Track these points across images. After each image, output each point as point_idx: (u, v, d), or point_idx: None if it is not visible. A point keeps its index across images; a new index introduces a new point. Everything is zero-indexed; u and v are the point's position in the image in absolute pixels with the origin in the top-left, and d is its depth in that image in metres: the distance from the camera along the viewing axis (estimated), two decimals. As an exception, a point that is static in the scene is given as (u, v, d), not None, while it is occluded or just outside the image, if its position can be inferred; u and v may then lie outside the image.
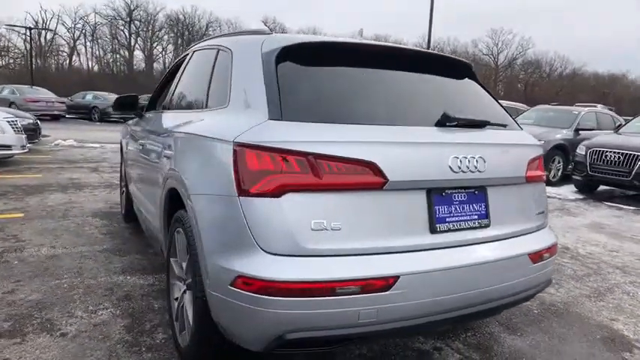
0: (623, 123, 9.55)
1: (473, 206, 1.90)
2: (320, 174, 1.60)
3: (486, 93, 2.36)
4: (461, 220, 1.86)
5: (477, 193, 1.92)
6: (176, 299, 2.36)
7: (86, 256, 3.56)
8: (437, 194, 1.81)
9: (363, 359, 2.30)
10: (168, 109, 2.99)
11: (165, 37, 57.61)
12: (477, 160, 1.87)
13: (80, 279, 3.10)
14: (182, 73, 2.99)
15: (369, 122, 1.81)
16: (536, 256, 2.03)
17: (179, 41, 58.84)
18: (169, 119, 2.68)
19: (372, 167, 1.67)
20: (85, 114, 21.53)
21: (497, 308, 1.99)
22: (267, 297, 1.56)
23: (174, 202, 2.30)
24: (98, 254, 3.61)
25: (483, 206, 1.94)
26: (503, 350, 2.48)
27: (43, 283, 3.00)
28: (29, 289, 2.90)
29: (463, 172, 1.83)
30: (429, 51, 2.24)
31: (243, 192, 1.64)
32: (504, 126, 2.16)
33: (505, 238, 1.98)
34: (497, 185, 1.98)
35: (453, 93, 2.21)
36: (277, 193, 1.60)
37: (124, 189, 4.70)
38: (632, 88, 58.33)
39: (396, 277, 1.63)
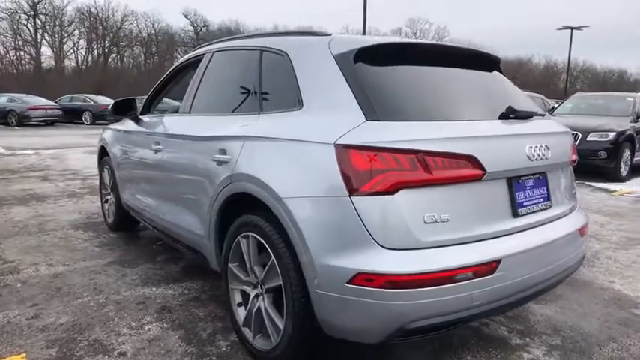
0: (556, 106, 10.40)
1: (539, 190, 2.08)
2: (429, 170, 1.69)
3: (512, 84, 2.56)
4: (533, 204, 2.03)
5: (540, 178, 2.10)
6: (239, 305, 2.35)
7: (94, 271, 3.37)
8: (515, 182, 1.97)
9: (429, 340, 2.42)
10: (194, 112, 2.89)
11: (77, 32, 53.79)
12: (544, 148, 2.05)
13: (103, 295, 2.95)
14: (203, 76, 2.90)
15: (450, 118, 1.92)
16: (582, 232, 2.26)
17: (92, 36, 55.21)
18: (209, 123, 2.60)
19: (473, 161, 1.78)
20: (0, 118, 19.71)
21: (558, 282, 2.19)
22: (391, 290, 1.63)
23: (236, 207, 2.28)
24: (106, 268, 3.43)
25: (545, 190, 2.13)
26: (538, 319, 2.72)
27: (65, 304, 2.82)
28: (54, 312, 2.71)
29: (535, 160, 2.00)
30: (475, 49, 2.38)
31: (354, 192, 1.68)
32: (543, 115, 2.37)
33: (561, 217, 2.18)
34: (553, 170, 2.17)
35: (496, 86, 2.37)
36: (392, 190, 1.66)
37: (107, 197, 4.47)
38: (537, 72, 63.46)
39: (498, 261, 1.76)
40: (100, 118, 21.66)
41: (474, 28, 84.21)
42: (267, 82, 2.32)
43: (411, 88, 1.97)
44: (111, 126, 4.38)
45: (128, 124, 3.79)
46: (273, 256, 1.99)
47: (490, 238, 1.82)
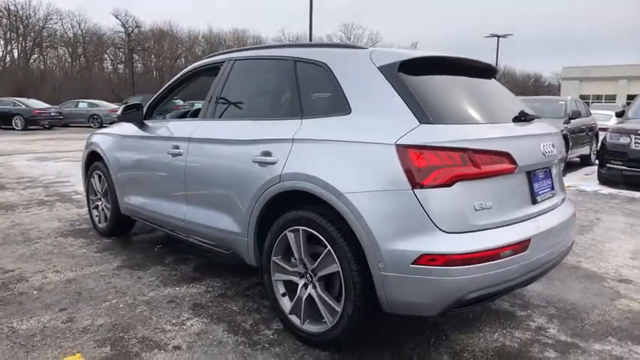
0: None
1: (547, 181, 2.47)
2: (477, 165, 2.01)
3: (507, 90, 2.96)
4: (544, 192, 2.42)
5: (547, 171, 2.49)
6: (283, 295, 2.55)
7: (106, 275, 3.40)
8: (532, 174, 2.34)
9: (449, 316, 2.74)
10: (221, 117, 3.04)
11: (-7, 30, 49.99)
12: (551, 146, 2.45)
13: (130, 297, 3.01)
14: (226, 83, 3.06)
15: (483, 121, 2.26)
16: (575, 216, 2.69)
17: (12, 35, 51.58)
18: (245, 128, 2.74)
19: (508, 157, 2.12)
20: None
21: (560, 260, 2.59)
22: (452, 267, 1.92)
23: (278, 205, 2.48)
24: (118, 272, 3.46)
25: (550, 181, 2.52)
26: (531, 294, 3.14)
27: (95, 307, 2.86)
28: (87, 315, 2.76)
29: (546, 155, 2.39)
30: (486, 62, 2.74)
31: (416, 185, 1.96)
32: (539, 118, 2.77)
33: (561, 204, 2.59)
34: (554, 164, 2.58)
35: (500, 92, 2.74)
36: (450, 183, 1.96)
37: (97, 204, 4.44)
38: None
39: (529, 239, 2.11)
40: (32, 123, 20.44)
41: (404, 35, 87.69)
42: (307, 90, 2.54)
43: (448, 96, 2.29)
44: (103, 130, 4.36)
45: (129, 129, 3.82)
46: (329, 246, 2.22)
47: (521, 221, 2.17)
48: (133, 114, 3.63)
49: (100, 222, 4.41)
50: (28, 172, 8.42)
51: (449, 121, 2.11)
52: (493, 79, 2.83)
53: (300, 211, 2.36)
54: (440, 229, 1.95)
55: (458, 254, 1.92)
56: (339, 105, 2.34)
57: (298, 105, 2.54)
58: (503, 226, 2.08)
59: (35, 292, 3.08)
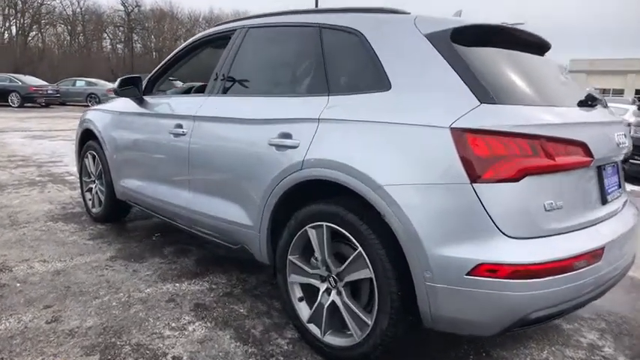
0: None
1: (614, 178, 2.11)
2: (550, 156, 1.64)
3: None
4: (613, 191, 2.06)
5: (614, 166, 2.13)
6: (300, 299, 2.21)
7: (98, 267, 3.05)
8: (603, 169, 1.97)
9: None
10: (230, 93, 2.66)
11: (-9, 5, 48.96)
12: (624, 136, 2.08)
13: (124, 294, 2.67)
14: (237, 54, 2.67)
15: (551, 103, 1.88)
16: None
17: (10, 11, 50.55)
18: (260, 105, 2.38)
19: (584, 147, 1.76)
20: None
21: (627, 271, 2.23)
22: (516, 281, 1.57)
23: (298, 195, 2.13)
24: (111, 263, 3.11)
25: (618, 177, 2.16)
26: (573, 303, 2.80)
27: (84, 305, 2.52)
28: (75, 314, 2.41)
29: (620, 147, 2.02)
30: (540, 35, 2.35)
31: (476, 178, 1.60)
32: (605, 103, 2.40)
33: (627, 205, 2.23)
34: (620, 158, 2.21)
35: (556, 72, 2.35)
36: (517, 177, 1.60)
37: (90, 186, 4.08)
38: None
39: (603, 248, 1.76)
40: (29, 100, 19.93)
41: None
42: (334, 62, 2.17)
43: (508, 71, 1.91)
44: (99, 106, 3.98)
45: (127, 105, 3.44)
46: (360, 248, 1.87)
47: (592, 225, 1.81)
48: (130, 89, 3.25)
49: (93, 206, 4.05)
50: (21, 150, 8.03)
51: (514, 100, 1.75)
52: (546, 56, 2.45)
53: (325, 205, 2.01)
54: (503, 234, 1.60)
55: (525, 265, 1.57)
56: (375, 80, 1.96)
57: (324, 79, 2.16)
58: (574, 230, 1.73)
59: (18, 285, 2.73)
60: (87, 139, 4.02)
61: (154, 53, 59.39)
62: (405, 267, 1.74)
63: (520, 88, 1.86)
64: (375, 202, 1.78)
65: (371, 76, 1.99)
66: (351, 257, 1.92)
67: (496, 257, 1.58)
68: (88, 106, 21.29)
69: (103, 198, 3.87)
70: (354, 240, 1.89)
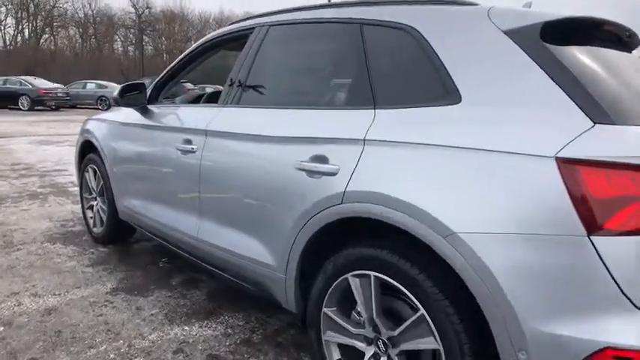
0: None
1: None
2: None
3: None
4: None
5: None
6: (340, 362, 1.77)
7: (97, 303, 2.64)
8: None
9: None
10: (249, 104, 2.24)
11: (3, 9, 49.31)
12: None
13: (124, 342, 2.25)
14: (256, 57, 2.25)
15: None
16: None
17: (22, 14, 50.90)
18: (285, 118, 1.95)
19: None
20: None
21: None
22: None
23: (336, 234, 1.70)
24: (111, 298, 2.71)
25: None
26: None
27: (76, 357, 2.11)
28: (64, 371, 2.01)
29: None
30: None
31: (594, 229, 1.16)
32: None
33: None
34: None
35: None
36: None
37: (91, 203, 3.69)
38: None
39: None
40: (39, 103, 19.78)
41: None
42: (381, 67, 1.73)
43: (617, 79, 1.46)
44: (100, 116, 3.58)
45: (130, 115, 3.04)
46: (423, 310, 1.43)
47: None
48: (133, 96, 2.84)
49: (94, 226, 3.66)
50: (25, 157, 7.71)
51: (634, 119, 1.30)
52: (635, 53, 1.99)
53: (375, 249, 1.57)
54: (636, 307, 1.15)
55: None
56: (438, 89, 1.53)
57: (368, 88, 1.73)
58: None
59: (2, 330, 2.34)
60: (87, 151, 3.63)
61: (165, 55, 59.44)
62: (490, 341, 1.30)
63: (636, 100, 1.41)
64: (445, 254, 1.34)
65: (432, 85, 1.55)
66: (410, 321, 1.49)
67: (627, 339, 1.13)
68: (98, 109, 21.14)
69: (104, 217, 3.48)
70: (413, 299, 1.46)
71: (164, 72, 2.95)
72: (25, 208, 4.57)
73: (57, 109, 20.97)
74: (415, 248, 1.46)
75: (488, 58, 1.47)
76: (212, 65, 3.03)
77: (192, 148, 2.37)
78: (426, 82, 1.58)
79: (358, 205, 1.57)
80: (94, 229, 3.66)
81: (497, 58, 1.45)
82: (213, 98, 2.92)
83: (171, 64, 2.90)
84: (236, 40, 2.54)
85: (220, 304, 2.69)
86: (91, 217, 3.70)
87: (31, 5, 51.33)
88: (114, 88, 22.24)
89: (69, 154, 8.09)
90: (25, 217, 4.26)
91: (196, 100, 3.28)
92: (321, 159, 1.72)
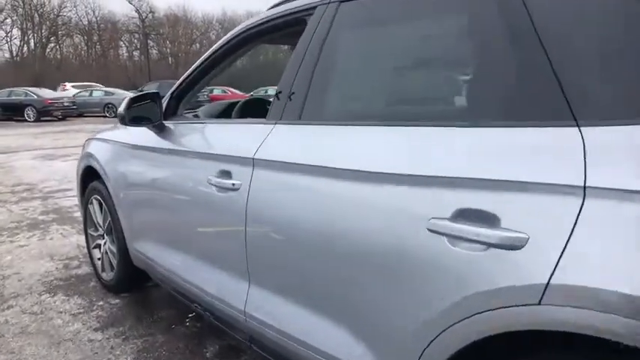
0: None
1: None
2: None
3: None
4: None
5: None
6: None
7: (108, 395, 1.94)
8: None
9: None
10: (313, 119, 1.49)
11: (9, 20, 49.18)
12: None
13: None
14: (322, 48, 1.50)
15: None
16: None
17: (27, 25, 50.74)
18: (393, 143, 1.20)
19: None
20: None
21: None
22: None
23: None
24: (128, 385, 2.00)
25: None
26: None
27: None
28: None
29: None
30: None
31: None
32: None
33: None
34: None
35: None
36: None
37: (98, 242, 2.99)
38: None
39: None
40: (45, 114, 19.28)
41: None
42: (573, 52, 0.98)
43: None
44: (104, 135, 2.84)
45: (142, 134, 2.32)
46: None
47: None
48: (145, 108, 2.12)
49: (103, 270, 2.96)
50: (28, 176, 7.06)
51: None
52: None
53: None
54: None
55: None
56: None
57: (557, 89, 0.97)
58: None
59: None
60: (91, 178, 2.93)
61: (170, 58, 59.11)
62: None
63: None
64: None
65: None
66: None
67: None
68: (106, 116, 20.55)
69: (114, 261, 2.78)
70: None
71: (183, 77, 2.22)
72: (23, 244, 3.89)
73: (63, 118, 20.44)
74: None
75: None
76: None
77: (234, 185, 1.64)
78: None
79: (573, 315, 0.83)
80: (103, 275, 2.96)
81: None
82: (251, 109, 2.19)
83: (192, 68, 2.16)
84: (283, 29, 1.80)
85: (275, 389, 1.96)
86: (99, 259, 3.00)
87: (36, 15, 51.18)
88: (121, 95, 21.67)
89: (75, 170, 7.46)
90: (21, 257, 3.58)
91: (227, 111, 2.51)
92: (485, 216, 0.97)
